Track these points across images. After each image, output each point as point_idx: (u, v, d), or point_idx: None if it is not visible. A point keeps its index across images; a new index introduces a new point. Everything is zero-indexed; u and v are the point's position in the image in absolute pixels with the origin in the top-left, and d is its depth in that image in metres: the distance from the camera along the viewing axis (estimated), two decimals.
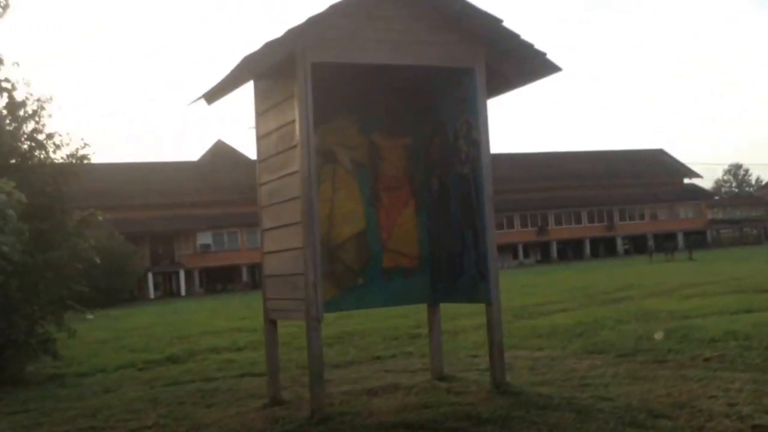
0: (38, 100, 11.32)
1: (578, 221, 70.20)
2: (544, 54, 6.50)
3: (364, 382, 7.00)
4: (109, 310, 29.01)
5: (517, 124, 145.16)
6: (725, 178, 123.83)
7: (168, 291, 56.04)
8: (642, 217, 72.99)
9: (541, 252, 68.96)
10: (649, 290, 20.44)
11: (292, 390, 7.00)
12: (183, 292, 54.88)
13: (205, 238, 58.20)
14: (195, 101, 6.58)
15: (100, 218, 12.08)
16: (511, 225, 67.47)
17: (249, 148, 65.91)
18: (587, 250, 68.73)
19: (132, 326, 20.12)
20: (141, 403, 7.24)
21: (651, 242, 69.34)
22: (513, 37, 6.37)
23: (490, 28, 6.36)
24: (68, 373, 11.02)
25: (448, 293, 6.98)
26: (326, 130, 6.91)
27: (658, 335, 9.75)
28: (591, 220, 70.61)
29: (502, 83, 6.92)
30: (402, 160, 7.22)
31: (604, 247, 70.11)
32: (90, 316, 14.89)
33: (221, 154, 65.22)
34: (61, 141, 11.66)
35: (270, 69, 6.10)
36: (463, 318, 12.58)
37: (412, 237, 7.18)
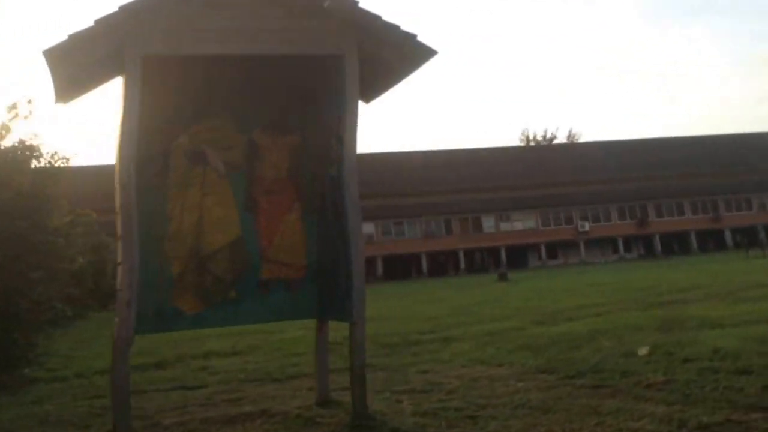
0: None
1: (681, 212, 66.81)
2: (414, 36, 5.69)
3: (235, 407, 6.35)
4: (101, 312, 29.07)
5: (608, 109, 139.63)
6: None
7: None
8: (750, 207, 68.68)
9: (644, 246, 65.98)
10: (712, 291, 18.87)
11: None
12: None
13: None
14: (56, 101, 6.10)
15: (93, 217, 11.94)
16: (608, 218, 64.97)
17: None
18: (694, 243, 65.24)
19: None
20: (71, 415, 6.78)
21: (762, 234, 65.55)
22: (375, 18, 5.60)
23: (353, 10, 5.60)
24: (46, 378, 10.86)
25: (328, 308, 6.26)
26: (199, 130, 6.32)
27: (642, 351, 8.69)
28: (695, 211, 67.03)
29: (388, 72, 6.13)
30: (285, 160, 6.52)
31: (713, 240, 66.32)
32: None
33: None
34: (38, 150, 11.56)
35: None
36: None
37: (297, 245, 6.48)
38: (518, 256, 61.46)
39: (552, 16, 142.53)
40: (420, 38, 5.72)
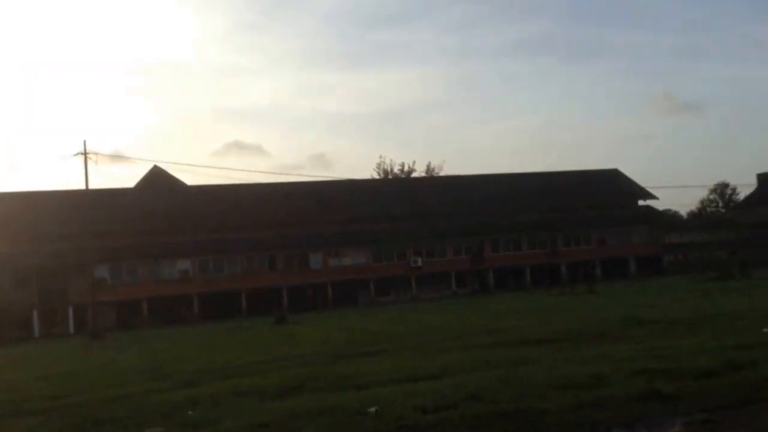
0: None
1: (517, 247, 65.85)
2: None
3: None
4: None
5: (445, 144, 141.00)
6: (711, 197, 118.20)
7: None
8: (589, 242, 68.52)
9: (478, 281, 64.50)
10: (431, 338, 16.83)
11: None
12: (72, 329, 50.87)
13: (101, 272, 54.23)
14: None
15: None
16: (443, 253, 63.27)
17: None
18: (528, 278, 64.28)
19: None
20: None
21: (598, 269, 65.38)
22: None
23: None
24: None
25: None
26: None
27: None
28: (531, 246, 66.19)
29: None
30: None
31: (549, 275, 65.50)
32: None
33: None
34: None
35: None
36: None
37: None
38: (347, 293, 58.74)
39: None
40: None
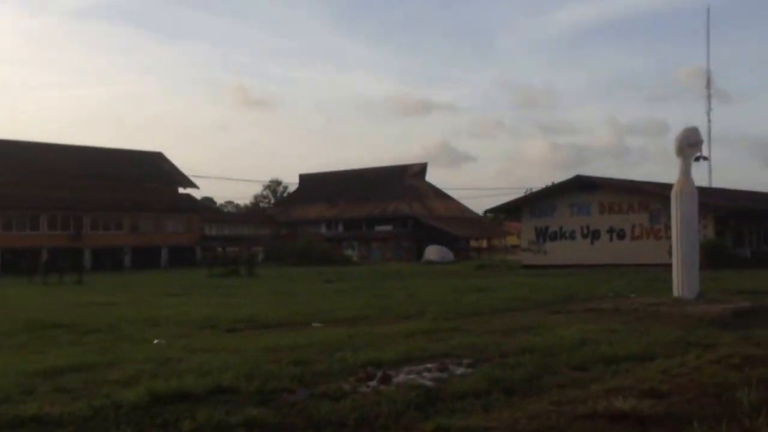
0: None
1: (35, 227, 58.61)
2: None
3: None
4: None
5: None
6: (264, 193, 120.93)
7: None
8: (120, 227, 63.87)
9: None
10: None
11: None
12: None
13: None
14: None
15: None
16: None
17: None
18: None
19: None
20: None
21: (129, 256, 61.26)
22: None
23: None
24: None
25: None
26: None
27: None
28: (52, 226, 59.44)
29: None
30: None
31: (72, 259, 59.29)
32: None
33: None
34: None
35: None
36: None
37: None
38: None
39: None
40: None
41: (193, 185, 72.20)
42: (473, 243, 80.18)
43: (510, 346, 9.41)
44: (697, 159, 15.04)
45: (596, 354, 8.70)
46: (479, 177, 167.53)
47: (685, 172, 14.95)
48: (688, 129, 14.97)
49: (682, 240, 14.79)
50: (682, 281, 14.79)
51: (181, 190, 71.82)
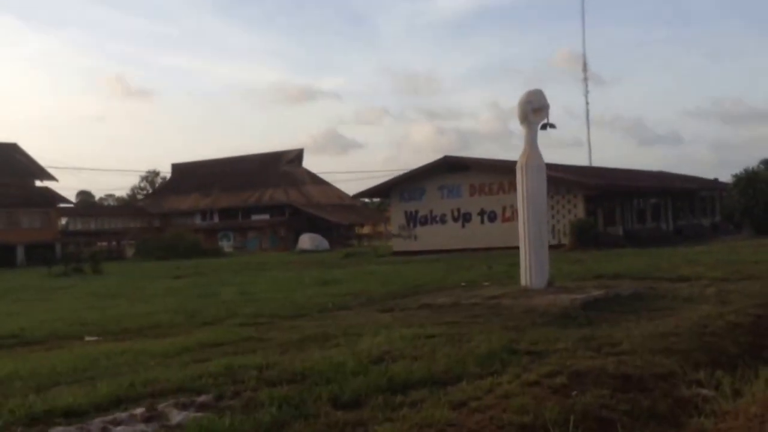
0: None
1: None
2: None
3: None
4: None
5: None
6: (142, 185, 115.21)
7: None
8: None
9: None
10: None
11: None
12: None
13: None
14: None
15: None
16: None
17: None
18: None
19: None
20: None
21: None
22: None
23: None
24: None
25: None
26: None
27: None
28: None
29: None
30: None
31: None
32: None
33: None
34: None
35: None
36: None
37: None
38: None
39: None
40: None
41: (51, 177, 66.94)
42: (358, 230, 78.23)
43: (282, 369, 7.04)
44: (544, 127, 12.96)
45: (383, 379, 6.42)
46: (367, 163, 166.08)
47: (531, 142, 12.97)
48: (531, 92, 12.94)
49: (529, 220, 12.78)
50: (530, 267, 12.78)
51: (38, 183, 66.55)
